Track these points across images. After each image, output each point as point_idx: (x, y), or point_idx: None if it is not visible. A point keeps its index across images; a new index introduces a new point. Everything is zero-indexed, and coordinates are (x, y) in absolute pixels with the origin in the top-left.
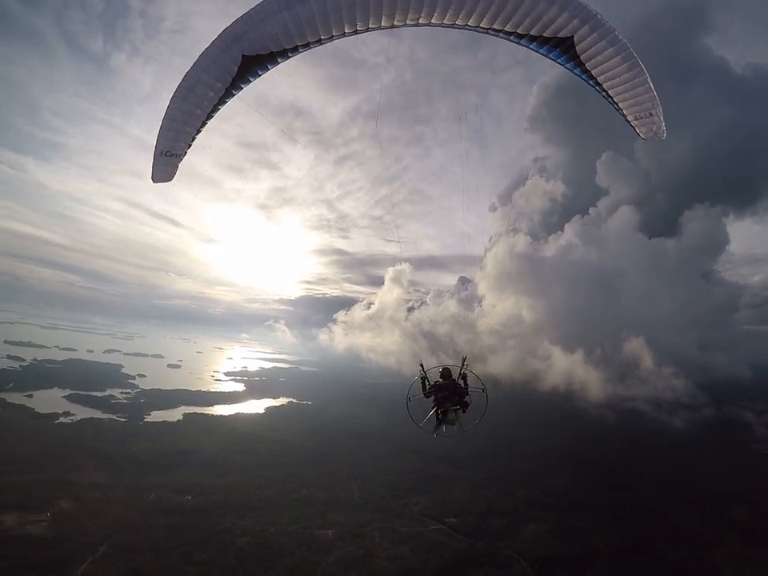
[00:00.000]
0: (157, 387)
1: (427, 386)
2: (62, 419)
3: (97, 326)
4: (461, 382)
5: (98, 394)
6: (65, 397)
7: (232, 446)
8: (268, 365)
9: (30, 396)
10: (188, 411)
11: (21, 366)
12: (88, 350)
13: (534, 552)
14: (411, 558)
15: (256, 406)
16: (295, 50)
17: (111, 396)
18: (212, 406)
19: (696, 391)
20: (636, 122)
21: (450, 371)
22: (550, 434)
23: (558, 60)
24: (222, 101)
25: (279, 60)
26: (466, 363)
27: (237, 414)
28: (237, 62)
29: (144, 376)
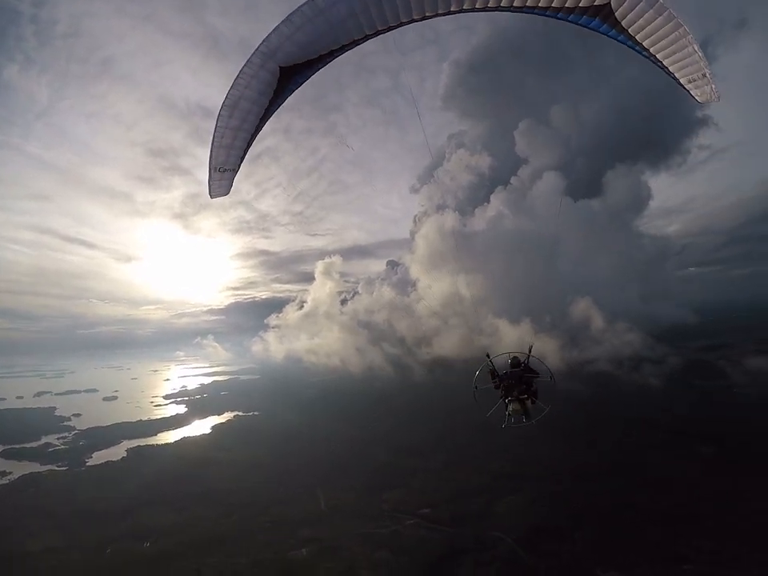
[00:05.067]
0: (95, 425)
1: (496, 376)
2: None
3: (24, 368)
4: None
5: (34, 444)
6: None
7: (184, 477)
8: (207, 380)
9: None
10: (131, 445)
11: None
12: (17, 397)
13: (518, 526)
14: (394, 561)
15: (202, 427)
16: (330, 54)
17: (48, 444)
18: (156, 434)
19: (654, 343)
20: (690, 84)
21: (519, 360)
22: None
23: (600, 30)
24: (267, 113)
25: (318, 66)
26: (531, 352)
27: (183, 439)
28: (275, 75)
29: (80, 415)
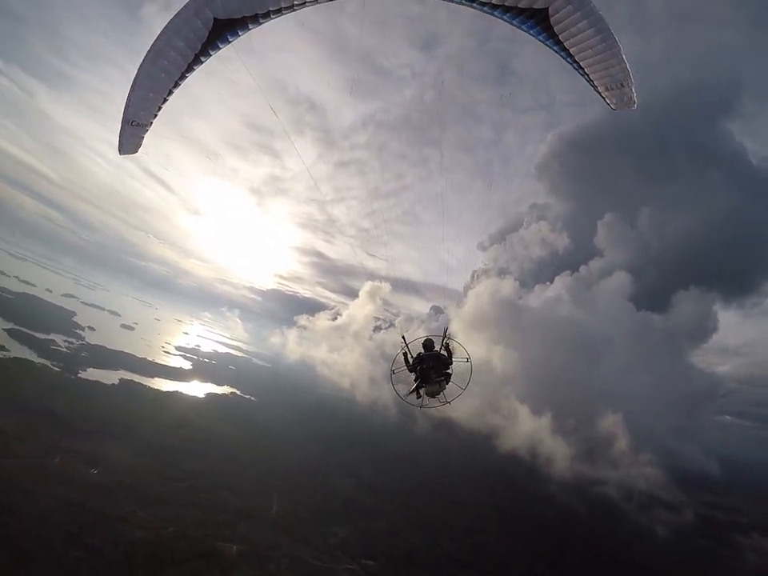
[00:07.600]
0: (102, 344)
1: (410, 360)
2: None
3: (64, 267)
4: (444, 352)
5: (41, 335)
6: (5, 329)
7: (159, 426)
8: (222, 349)
9: None
10: (126, 377)
11: None
12: (47, 289)
13: None
14: None
15: (197, 389)
16: (267, 15)
17: (52, 341)
18: (152, 378)
19: (671, 485)
20: (607, 92)
21: (432, 342)
22: (500, 494)
23: (531, 32)
24: (189, 68)
25: (250, 26)
26: (447, 333)
27: (175, 393)
28: (208, 26)
29: (94, 330)
